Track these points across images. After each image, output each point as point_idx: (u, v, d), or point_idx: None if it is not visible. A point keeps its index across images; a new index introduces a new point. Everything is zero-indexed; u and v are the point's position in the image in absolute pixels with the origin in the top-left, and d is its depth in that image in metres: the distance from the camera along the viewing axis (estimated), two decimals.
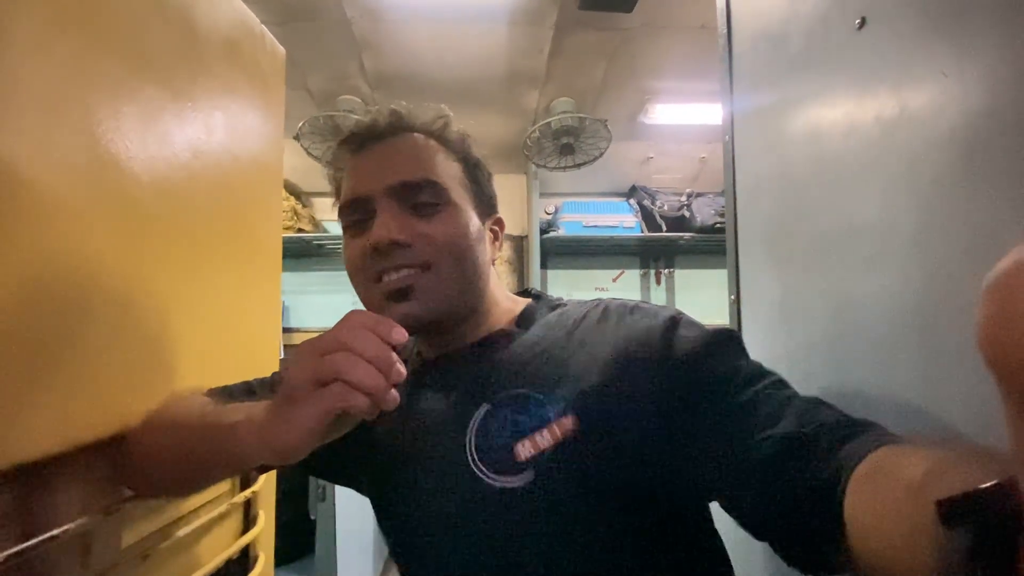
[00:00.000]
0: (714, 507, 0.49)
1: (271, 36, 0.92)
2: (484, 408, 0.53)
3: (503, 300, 0.62)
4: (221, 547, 0.76)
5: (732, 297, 0.69)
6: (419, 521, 0.55)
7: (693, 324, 0.51)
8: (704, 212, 2.60)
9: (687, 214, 2.64)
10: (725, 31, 0.70)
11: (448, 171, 0.57)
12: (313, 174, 2.35)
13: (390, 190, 0.54)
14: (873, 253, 0.47)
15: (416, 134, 0.57)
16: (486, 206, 0.61)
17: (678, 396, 0.46)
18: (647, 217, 2.68)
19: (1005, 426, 0.17)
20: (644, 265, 2.85)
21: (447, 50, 1.85)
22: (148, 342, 0.60)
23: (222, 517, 0.77)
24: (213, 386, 0.62)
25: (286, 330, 2.54)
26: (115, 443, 0.54)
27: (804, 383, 0.46)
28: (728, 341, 0.49)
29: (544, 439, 0.48)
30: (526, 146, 2.23)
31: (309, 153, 2.14)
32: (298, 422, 0.38)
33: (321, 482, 1.79)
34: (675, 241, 2.64)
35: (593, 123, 2.11)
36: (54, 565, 0.49)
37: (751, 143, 0.66)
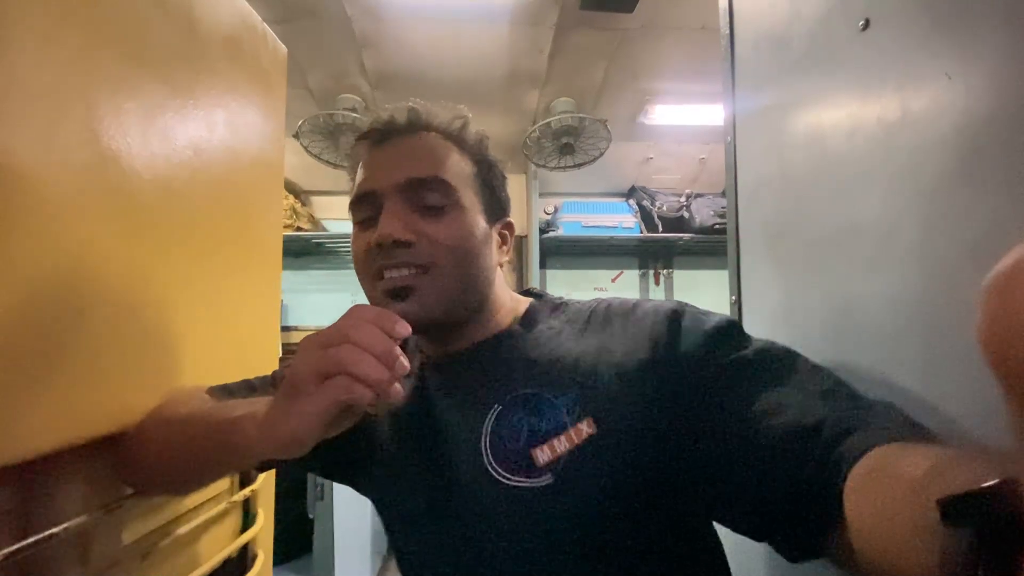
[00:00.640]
0: None
1: (273, 34, 0.92)
2: (496, 409, 0.53)
3: (507, 302, 0.62)
4: (220, 545, 0.76)
5: (733, 298, 0.69)
6: (429, 520, 0.55)
7: (696, 317, 0.51)
8: (703, 213, 2.60)
9: (686, 215, 2.64)
10: (728, 32, 0.70)
11: (460, 172, 0.56)
12: (312, 172, 2.35)
13: (399, 187, 0.54)
14: (875, 254, 0.47)
15: (433, 133, 0.57)
16: (497, 209, 0.60)
17: (685, 392, 0.46)
18: (646, 218, 2.69)
19: (1007, 425, 0.17)
20: (643, 266, 2.86)
21: (447, 49, 1.85)
22: (148, 339, 0.60)
23: (221, 515, 0.77)
24: (213, 384, 0.62)
25: (284, 328, 2.53)
26: (115, 440, 0.54)
27: None
28: (729, 331, 0.49)
29: (562, 444, 0.48)
30: (526, 146, 2.23)
31: (308, 151, 2.14)
32: (302, 415, 0.38)
33: (319, 481, 1.78)
34: (674, 242, 2.65)
35: (593, 123, 2.11)
36: (55, 563, 0.49)
37: (753, 144, 0.66)
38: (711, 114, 2.21)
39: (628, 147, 2.48)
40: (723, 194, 2.67)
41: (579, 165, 2.31)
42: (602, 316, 0.56)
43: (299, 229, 2.48)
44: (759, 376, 0.44)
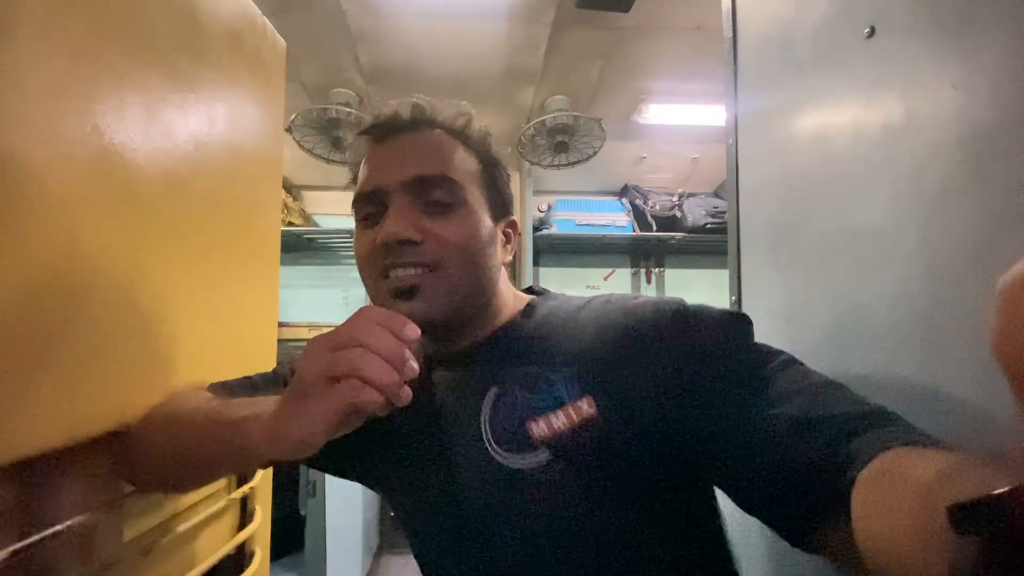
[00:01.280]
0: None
1: (272, 28, 0.91)
2: (494, 389, 0.53)
3: (511, 300, 0.62)
4: (218, 543, 0.75)
5: (733, 298, 0.70)
6: (437, 509, 0.56)
7: (702, 311, 0.51)
8: (695, 212, 2.62)
9: (678, 214, 2.66)
10: (731, 35, 0.71)
11: (466, 169, 0.56)
12: (305, 167, 2.33)
13: (405, 185, 0.53)
14: (877, 258, 0.48)
15: (437, 130, 0.57)
16: (501, 207, 0.60)
17: (690, 381, 0.46)
18: (639, 216, 2.70)
19: (1016, 430, 0.17)
20: (635, 264, 2.88)
21: (442, 45, 1.84)
22: (148, 335, 0.60)
23: (219, 513, 0.76)
24: (212, 380, 0.62)
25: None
26: (117, 437, 0.54)
27: None
28: (738, 325, 0.49)
29: (559, 420, 0.48)
30: (520, 143, 2.23)
31: (301, 146, 2.12)
32: (311, 417, 0.38)
33: (311, 478, 1.78)
34: (666, 241, 2.66)
35: (588, 122, 2.12)
36: (57, 560, 0.49)
37: (755, 146, 0.67)
38: (705, 114, 2.22)
39: (622, 146, 2.49)
40: (715, 194, 2.71)
41: (573, 163, 2.31)
42: (603, 301, 0.56)
43: (291, 224, 2.45)
44: (766, 367, 0.45)
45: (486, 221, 0.56)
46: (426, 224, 0.53)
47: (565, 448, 0.48)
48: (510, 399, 0.51)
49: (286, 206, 2.46)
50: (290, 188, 2.64)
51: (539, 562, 0.50)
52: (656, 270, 2.87)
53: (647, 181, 2.80)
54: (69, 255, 0.49)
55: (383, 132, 0.57)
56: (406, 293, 0.52)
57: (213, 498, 0.75)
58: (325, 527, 1.74)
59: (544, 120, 2.12)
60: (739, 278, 0.69)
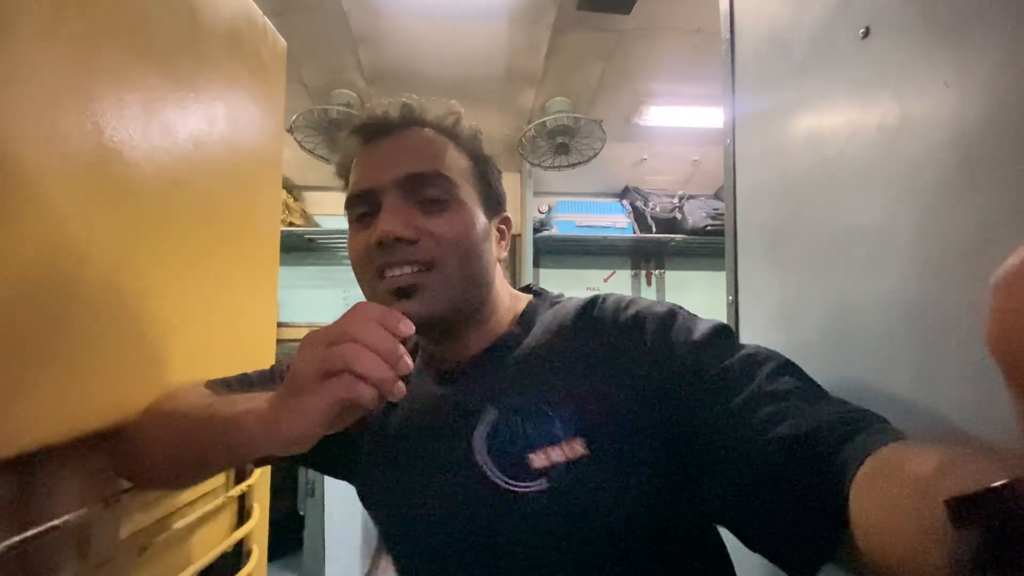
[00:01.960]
0: None
1: (272, 28, 0.92)
2: (492, 412, 0.52)
3: (507, 299, 0.62)
4: (216, 541, 0.75)
5: (730, 298, 0.70)
6: (416, 516, 0.55)
7: (686, 324, 0.50)
8: (695, 214, 2.62)
9: (679, 216, 2.66)
10: (728, 37, 0.71)
11: (458, 167, 0.56)
12: (306, 168, 2.33)
13: (397, 184, 0.53)
14: (872, 257, 0.48)
15: (427, 129, 0.57)
16: (494, 204, 0.60)
17: (677, 404, 0.46)
18: (639, 218, 2.70)
19: (1014, 424, 0.17)
20: (635, 266, 2.88)
21: (444, 46, 1.84)
22: (146, 334, 0.60)
23: (217, 511, 0.76)
24: (211, 378, 0.62)
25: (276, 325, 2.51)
26: (114, 434, 0.54)
27: None
28: (720, 337, 0.48)
29: (557, 454, 0.48)
30: (521, 145, 2.24)
31: (302, 146, 2.12)
32: (305, 412, 0.38)
33: (310, 478, 1.78)
34: (666, 243, 2.66)
35: (588, 123, 2.12)
36: (54, 556, 0.49)
37: (752, 147, 0.67)
38: (705, 116, 2.23)
39: (622, 147, 2.49)
40: (716, 196, 2.71)
41: (574, 165, 2.31)
42: (594, 315, 0.55)
43: (291, 225, 2.46)
44: (752, 383, 0.43)
45: (480, 217, 0.57)
46: (420, 222, 0.53)
47: (562, 479, 0.48)
48: (509, 426, 0.51)
49: (287, 207, 2.47)
50: (291, 189, 2.64)
51: None
52: (656, 272, 2.87)
53: (647, 183, 2.80)
54: (67, 253, 0.49)
55: (373, 132, 0.57)
56: (403, 292, 0.52)
57: (211, 495, 0.75)
58: (324, 527, 1.74)
59: (545, 122, 2.12)
60: (736, 278, 0.69)
